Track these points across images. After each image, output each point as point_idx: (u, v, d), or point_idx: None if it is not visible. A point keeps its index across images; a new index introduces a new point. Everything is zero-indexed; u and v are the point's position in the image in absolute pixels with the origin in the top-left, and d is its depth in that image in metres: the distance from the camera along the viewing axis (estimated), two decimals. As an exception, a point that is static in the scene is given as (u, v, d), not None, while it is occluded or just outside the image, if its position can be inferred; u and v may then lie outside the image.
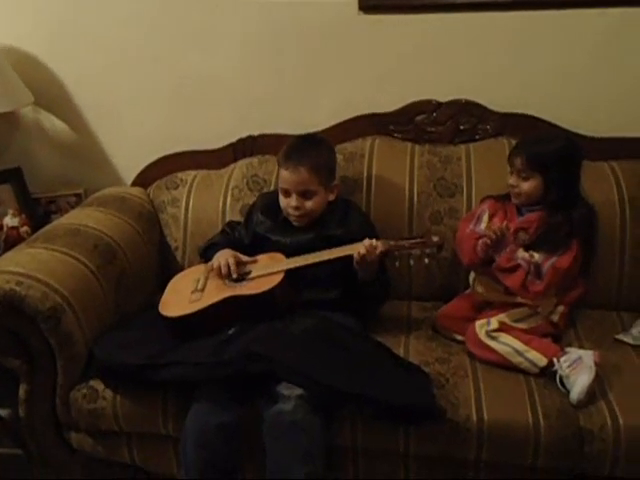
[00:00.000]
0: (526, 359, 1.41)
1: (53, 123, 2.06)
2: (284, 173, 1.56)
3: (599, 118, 1.78)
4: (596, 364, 1.36)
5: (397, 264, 1.46)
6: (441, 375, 1.41)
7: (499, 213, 1.59)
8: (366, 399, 1.29)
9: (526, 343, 1.42)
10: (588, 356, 1.38)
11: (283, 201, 1.59)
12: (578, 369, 1.35)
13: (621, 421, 1.27)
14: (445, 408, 1.32)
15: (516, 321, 1.49)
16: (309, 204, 1.56)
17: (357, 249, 1.45)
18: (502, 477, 1.36)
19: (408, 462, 1.39)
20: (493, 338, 1.44)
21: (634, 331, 1.53)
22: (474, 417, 1.31)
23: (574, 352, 1.40)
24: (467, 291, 1.65)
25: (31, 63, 1.98)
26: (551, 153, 1.50)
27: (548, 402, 1.33)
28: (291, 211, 1.57)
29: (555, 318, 1.53)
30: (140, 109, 2.00)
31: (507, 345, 1.43)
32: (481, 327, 1.46)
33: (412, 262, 1.46)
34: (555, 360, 1.39)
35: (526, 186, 1.52)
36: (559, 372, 1.37)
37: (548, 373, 1.39)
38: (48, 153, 2.09)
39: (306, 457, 1.29)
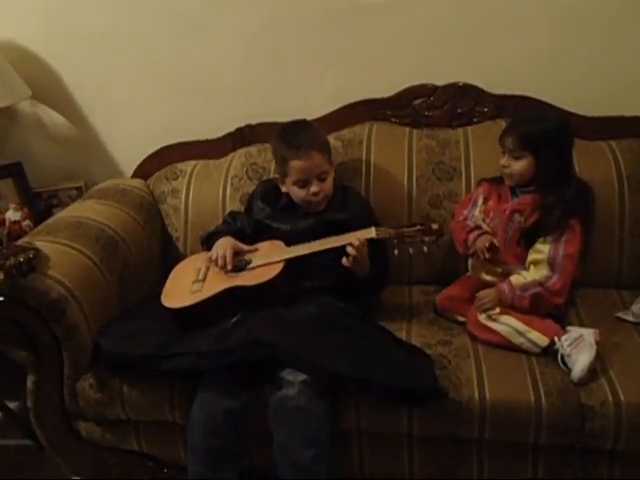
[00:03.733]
0: (528, 339, 1.42)
1: (52, 117, 2.07)
2: (298, 164, 1.53)
3: (597, 98, 1.77)
4: (597, 342, 1.37)
5: (396, 252, 1.46)
6: (443, 357, 1.42)
7: (493, 196, 1.59)
8: (369, 382, 1.30)
9: (527, 323, 1.43)
10: (589, 334, 1.39)
11: (300, 192, 1.56)
12: (579, 347, 1.36)
13: (622, 397, 1.29)
14: (447, 389, 1.33)
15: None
16: (327, 185, 1.57)
17: (356, 238, 1.45)
18: (505, 455, 1.38)
19: (412, 443, 1.41)
20: (494, 319, 1.45)
21: (635, 309, 1.54)
22: (476, 397, 1.32)
23: (575, 331, 1.41)
24: (467, 273, 1.66)
25: (28, 57, 1.98)
26: (541, 132, 1.48)
27: (549, 380, 1.34)
28: (313, 198, 1.55)
29: None
30: (138, 101, 2.00)
31: (508, 326, 1.44)
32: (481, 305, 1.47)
33: (411, 250, 1.46)
34: (556, 339, 1.39)
35: (517, 166, 1.51)
36: (560, 351, 1.38)
37: (549, 352, 1.40)
38: (47, 147, 2.10)
39: (311, 441, 1.31)
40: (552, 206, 1.49)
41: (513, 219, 1.52)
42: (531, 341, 1.42)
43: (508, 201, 1.56)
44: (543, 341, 1.41)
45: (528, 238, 1.51)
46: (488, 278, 1.56)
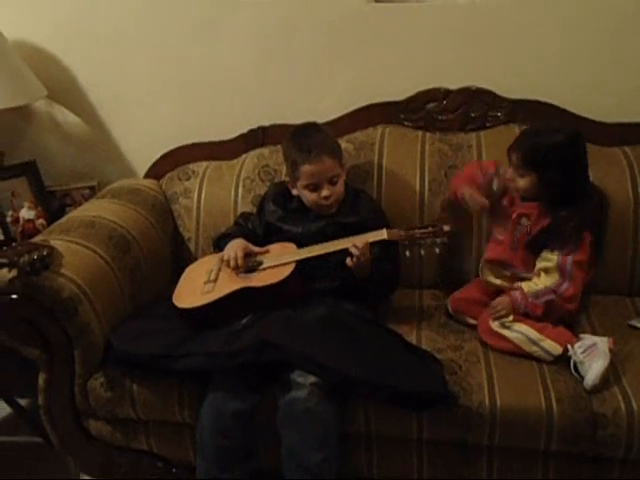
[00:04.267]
0: (541, 348, 1.40)
1: (66, 116, 2.08)
2: (309, 168, 1.53)
3: (611, 103, 1.76)
4: (611, 351, 1.36)
5: (408, 253, 1.46)
6: (453, 362, 1.41)
7: (510, 200, 1.57)
8: (379, 386, 1.30)
9: (540, 331, 1.42)
10: (603, 342, 1.37)
11: (311, 196, 1.56)
12: (592, 355, 1.34)
13: (635, 405, 1.27)
14: (457, 394, 1.32)
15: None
16: (338, 188, 1.57)
17: (367, 239, 1.45)
18: (515, 462, 1.37)
19: (421, 448, 1.40)
20: (506, 327, 1.44)
21: (647, 317, 1.53)
22: (487, 403, 1.31)
23: (588, 338, 1.40)
24: (479, 277, 1.66)
25: (44, 57, 1.99)
26: (547, 151, 1.42)
27: (561, 387, 1.33)
28: (324, 202, 1.55)
29: None
30: (152, 101, 2.01)
31: (521, 334, 1.43)
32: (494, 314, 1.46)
33: (423, 252, 1.46)
34: (569, 347, 1.38)
35: (521, 183, 1.47)
36: (573, 358, 1.37)
37: (561, 359, 1.39)
38: (62, 146, 2.11)
39: (320, 444, 1.31)
40: (564, 221, 1.45)
41: (520, 222, 1.51)
42: (544, 350, 1.40)
43: (517, 204, 1.54)
44: (557, 350, 1.40)
45: (536, 245, 1.49)
46: (497, 282, 1.55)
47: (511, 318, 1.45)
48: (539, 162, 1.43)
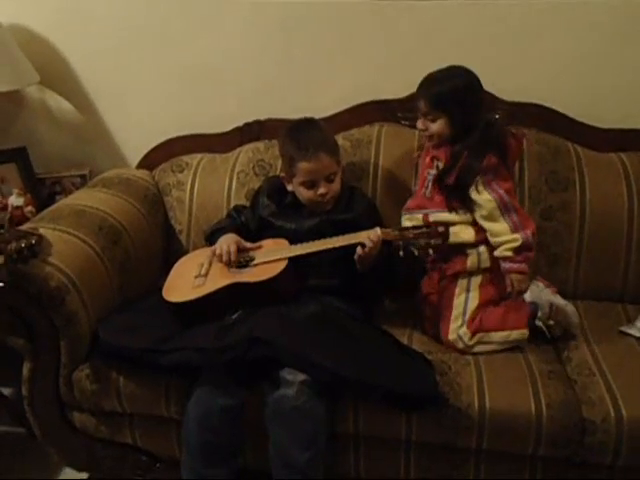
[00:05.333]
0: (511, 342, 1.46)
1: (59, 103, 2.05)
2: (306, 166, 1.51)
3: (609, 108, 1.76)
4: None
5: (401, 253, 1.45)
6: (444, 363, 1.41)
7: (424, 154, 1.62)
8: (369, 385, 1.29)
9: (503, 328, 1.46)
10: (548, 294, 1.50)
11: (307, 193, 1.55)
12: (557, 313, 1.47)
13: (624, 413, 1.27)
14: (447, 395, 1.32)
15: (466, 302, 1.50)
16: (334, 186, 1.55)
17: (361, 239, 1.43)
18: (503, 465, 1.37)
19: (409, 450, 1.39)
20: (473, 347, 1.46)
21: (639, 323, 1.53)
22: (476, 405, 1.31)
23: (538, 302, 1.49)
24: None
25: (38, 42, 1.96)
26: (451, 91, 1.49)
27: (551, 392, 1.33)
28: (320, 199, 1.54)
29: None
30: (147, 91, 1.99)
31: (489, 344, 1.47)
32: (456, 342, 1.47)
33: (416, 252, 1.45)
34: (536, 322, 1.47)
35: (435, 127, 1.51)
36: (544, 328, 1.46)
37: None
38: (53, 133, 2.08)
39: (308, 442, 1.30)
40: (459, 154, 1.49)
41: (433, 166, 1.55)
42: (515, 340, 1.46)
43: (429, 152, 1.58)
44: (524, 335, 1.46)
45: (457, 191, 1.49)
46: (408, 223, 1.55)
47: (472, 340, 1.47)
48: (447, 102, 1.49)
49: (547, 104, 1.75)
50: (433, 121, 1.51)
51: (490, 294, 1.50)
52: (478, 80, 1.52)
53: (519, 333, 1.46)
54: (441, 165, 1.53)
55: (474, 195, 1.47)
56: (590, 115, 1.75)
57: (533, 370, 1.39)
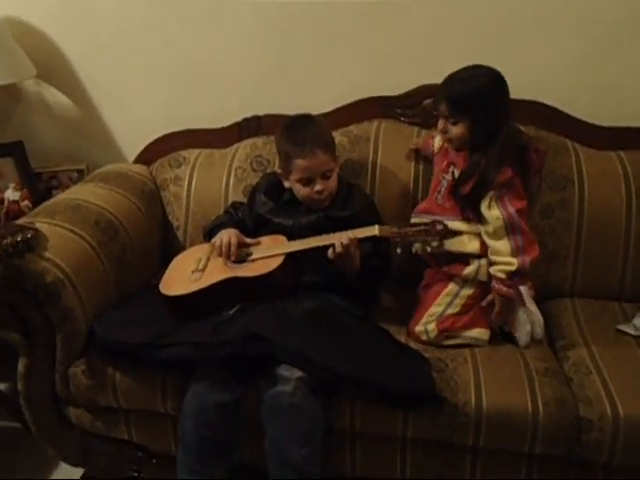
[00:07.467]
0: (476, 339, 1.47)
1: (56, 97, 2.04)
2: (302, 162, 1.50)
3: (609, 106, 1.76)
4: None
5: (399, 251, 1.44)
6: (440, 360, 1.41)
7: (441, 155, 1.58)
8: (365, 383, 1.29)
9: (470, 328, 1.47)
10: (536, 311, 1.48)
11: (303, 190, 1.54)
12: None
13: (621, 411, 1.27)
14: (444, 393, 1.32)
15: (448, 305, 1.49)
16: (331, 182, 1.55)
17: (360, 235, 1.43)
18: (499, 463, 1.37)
19: (406, 447, 1.39)
20: (437, 341, 1.47)
21: (636, 322, 1.52)
22: (473, 402, 1.31)
23: (534, 326, 1.48)
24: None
25: (35, 35, 1.95)
26: (475, 92, 1.41)
27: (548, 390, 1.32)
28: (316, 196, 1.53)
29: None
30: (145, 86, 1.98)
31: (454, 338, 1.48)
32: (421, 334, 1.48)
33: (414, 250, 1.44)
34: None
35: (455, 131, 1.45)
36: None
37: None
38: (50, 127, 2.07)
39: (304, 439, 1.30)
40: (477, 164, 1.43)
41: (448, 171, 1.51)
42: (478, 340, 1.48)
43: (449, 156, 1.53)
44: (486, 334, 1.47)
45: (470, 202, 1.45)
46: (416, 220, 1.52)
47: (438, 337, 1.48)
48: (469, 106, 1.42)
49: (546, 101, 1.74)
50: (455, 124, 1.45)
51: (471, 310, 1.48)
52: (505, 83, 1.45)
53: (482, 332, 1.47)
54: (457, 172, 1.48)
55: (484, 209, 1.43)
56: (590, 113, 1.74)
57: (530, 368, 1.39)
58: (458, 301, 1.49)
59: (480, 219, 1.46)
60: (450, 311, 1.48)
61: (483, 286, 1.48)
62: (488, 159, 1.42)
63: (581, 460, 1.32)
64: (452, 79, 1.47)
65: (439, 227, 1.42)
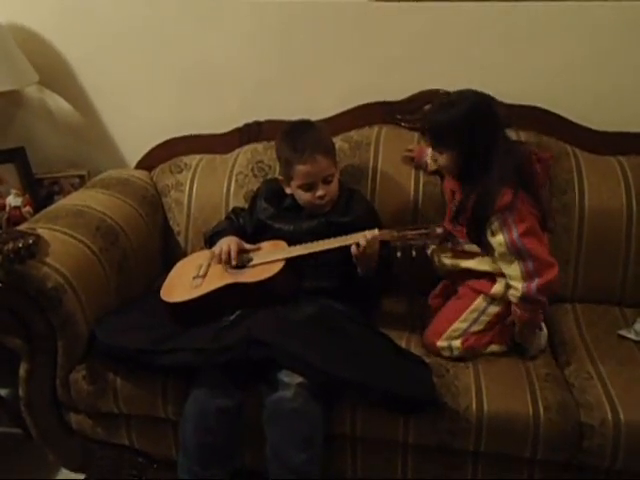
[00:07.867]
0: (492, 352, 1.47)
1: (58, 103, 2.05)
2: (303, 168, 1.50)
3: (609, 111, 1.76)
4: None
5: (399, 255, 1.44)
6: (441, 365, 1.41)
7: (447, 181, 1.54)
8: (366, 388, 1.29)
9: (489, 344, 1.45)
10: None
11: (305, 196, 1.54)
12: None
13: (622, 416, 1.27)
14: (445, 398, 1.32)
15: (474, 321, 1.46)
16: (332, 187, 1.55)
17: (358, 239, 1.43)
18: (500, 468, 1.36)
19: (406, 452, 1.39)
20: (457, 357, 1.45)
21: (637, 327, 1.52)
22: (474, 407, 1.31)
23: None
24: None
25: (37, 41, 1.96)
26: (449, 123, 1.34)
27: (549, 395, 1.32)
28: (318, 201, 1.53)
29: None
30: (146, 91, 1.99)
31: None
32: (444, 350, 1.45)
33: (414, 253, 1.44)
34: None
35: (442, 160, 1.42)
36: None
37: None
38: (52, 133, 2.07)
39: (305, 444, 1.30)
40: (467, 197, 1.39)
41: (454, 198, 1.50)
42: (495, 352, 1.47)
43: (451, 182, 1.52)
44: (503, 349, 1.47)
45: (471, 231, 1.42)
46: (447, 262, 1.51)
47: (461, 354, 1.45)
48: (447, 138, 1.37)
49: (547, 107, 1.75)
50: (440, 154, 1.42)
51: (495, 327, 1.45)
52: (490, 107, 1.37)
53: (500, 347, 1.46)
54: (457, 200, 1.46)
55: (489, 236, 1.39)
56: (590, 118, 1.74)
57: (531, 373, 1.39)
58: (484, 318, 1.46)
59: (486, 247, 1.42)
60: (475, 328, 1.45)
61: (509, 304, 1.44)
62: (483, 189, 1.36)
63: (582, 466, 1.32)
64: (434, 106, 1.43)
65: (438, 230, 1.42)
